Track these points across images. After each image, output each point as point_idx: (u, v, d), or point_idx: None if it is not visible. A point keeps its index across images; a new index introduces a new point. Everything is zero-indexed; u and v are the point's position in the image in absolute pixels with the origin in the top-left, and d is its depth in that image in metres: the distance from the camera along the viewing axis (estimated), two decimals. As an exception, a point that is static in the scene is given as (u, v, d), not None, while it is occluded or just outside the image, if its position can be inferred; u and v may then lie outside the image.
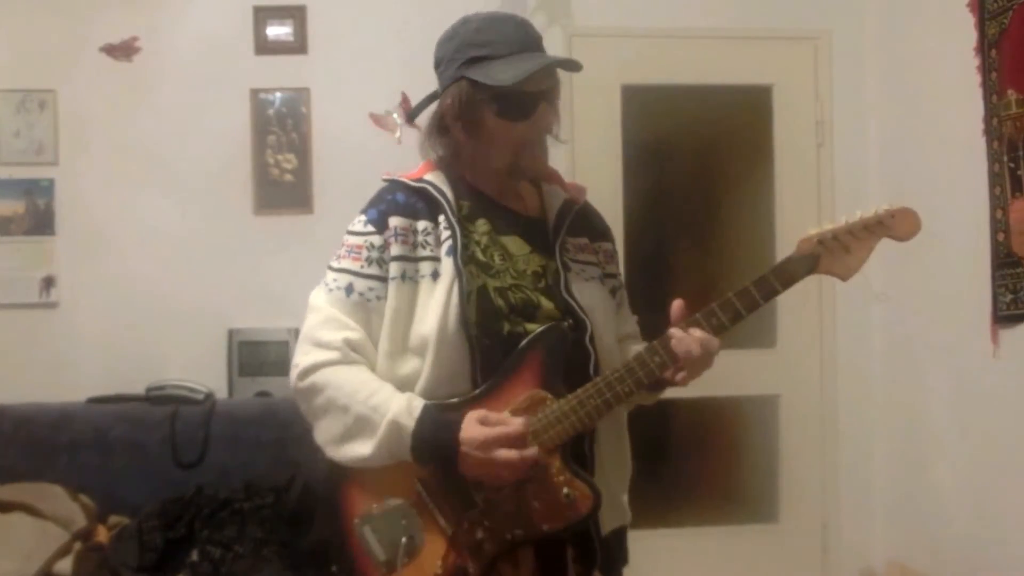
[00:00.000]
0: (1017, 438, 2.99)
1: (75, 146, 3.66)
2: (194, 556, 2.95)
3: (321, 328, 1.79)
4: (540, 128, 1.84)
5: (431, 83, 3.90)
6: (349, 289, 1.80)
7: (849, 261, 1.77)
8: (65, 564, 2.94)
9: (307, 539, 3.01)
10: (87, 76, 3.66)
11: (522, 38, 1.82)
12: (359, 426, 1.72)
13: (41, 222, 3.64)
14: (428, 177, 1.87)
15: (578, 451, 1.79)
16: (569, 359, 1.77)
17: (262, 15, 3.72)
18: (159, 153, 3.68)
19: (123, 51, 3.69)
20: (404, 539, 1.73)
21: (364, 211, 1.86)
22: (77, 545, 3.01)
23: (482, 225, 1.85)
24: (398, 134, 3.74)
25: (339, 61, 3.74)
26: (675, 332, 1.73)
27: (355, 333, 1.78)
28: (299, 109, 3.73)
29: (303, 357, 1.79)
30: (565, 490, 1.70)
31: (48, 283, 3.64)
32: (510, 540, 1.72)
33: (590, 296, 1.87)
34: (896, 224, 1.75)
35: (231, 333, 3.60)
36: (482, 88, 1.79)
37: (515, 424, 1.68)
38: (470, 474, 1.69)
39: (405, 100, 3.74)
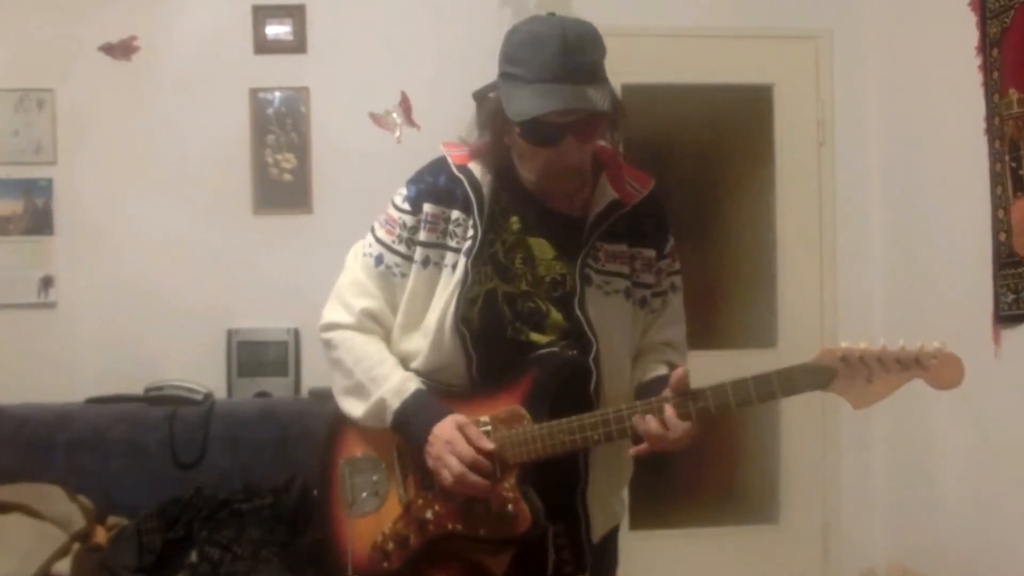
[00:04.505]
0: (1019, 438, 2.98)
1: (73, 145, 3.66)
2: (193, 557, 2.94)
3: (347, 290, 1.92)
4: (567, 158, 1.76)
5: (430, 83, 3.91)
6: (379, 260, 1.90)
7: (867, 392, 1.63)
8: (64, 565, 2.94)
9: (306, 539, 3.01)
10: (86, 75, 3.66)
11: (558, 66, 1.68)
12: (357, 390, 1.86)
13: (39, 222, 3.63)
14: (471, 166, 1.86)
15: (570, 465, 1.82)
16: (566, 381, 1.79)
17: (261, 14, 3.71)
18: (158, 152, 3.68)
19: (122, 50, 3.68)
20: (365, 493, 1.87)
21: (407, 183, 1.91)
22: (76, 546, 3.00)
23: (514, 223, 1.86)
24: (397, 134, 3.73)
25: (338, 61, 3.74)
26: (648, 419, 1.68)
27: (375, 302, 1.90)
28: (298, 108, 3.72)
29: (328, 312, 1.94)
30: (508, 507, 1.74)
31: (46, 283, 3.63)
32: (450, 531, 1.79)
33: (606, 313, 1.84)
34: (936, 369, 1.60)
35: (230, 333, 3.59)
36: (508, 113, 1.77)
37: (483, 444, 1.73)
38: (428, 462, 1.77)
39: (404, 100, 3.74)
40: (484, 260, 1.82)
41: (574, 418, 1.73)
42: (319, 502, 2.00)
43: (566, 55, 1.69)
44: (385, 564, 1.82)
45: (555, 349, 1.80)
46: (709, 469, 3.98)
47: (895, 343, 1.60)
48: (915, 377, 1.61)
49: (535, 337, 1.81)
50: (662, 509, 3.80)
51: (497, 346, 1.80)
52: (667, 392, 1.70)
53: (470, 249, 1.82)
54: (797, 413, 3.89)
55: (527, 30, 1.74)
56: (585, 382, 1.80)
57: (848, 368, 1.63)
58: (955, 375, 1.60)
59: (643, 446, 1.72)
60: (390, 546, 1.82)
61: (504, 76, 1.76)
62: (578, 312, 1.82)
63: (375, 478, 1.87)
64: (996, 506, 3.10)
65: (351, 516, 1.88)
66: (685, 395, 1.68)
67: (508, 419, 1.76)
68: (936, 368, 1.60)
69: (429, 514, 1.80)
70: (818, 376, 1.65)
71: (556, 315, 1.83)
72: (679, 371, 1.70)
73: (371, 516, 1.86)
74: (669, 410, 1.68)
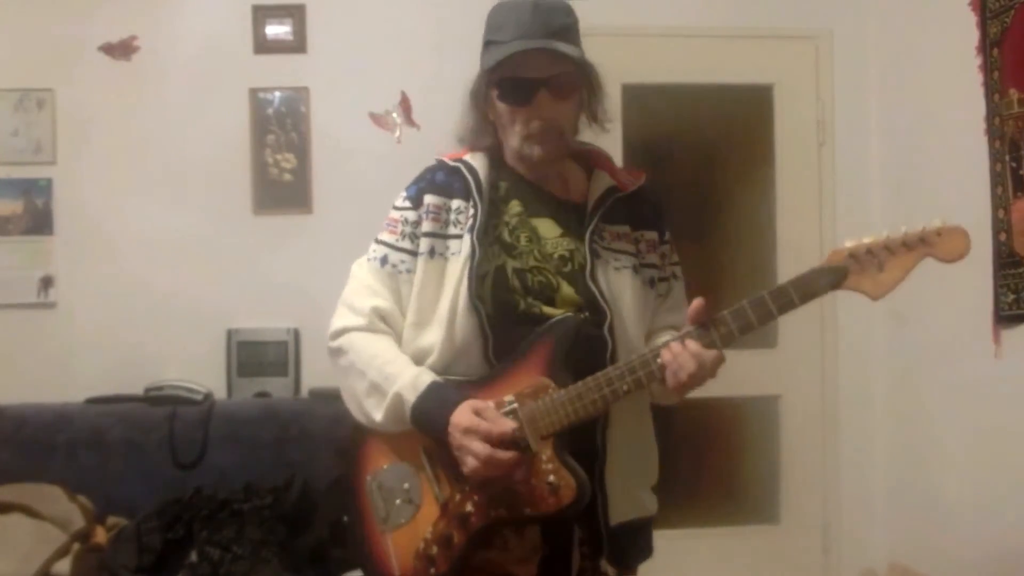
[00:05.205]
0: (1019, 438, 2.98)
1: (73, 145, 3.66)
2: (192, 557, 2.94)
3: (355, 295, 1.92)
4: (545, 116, 1.83)
5: (431, 82, 3.92)
6: (384, 260, 1.91)
7: (882, 279, 1.64)
8: (63, 565, 2.94)
9: (306, 539, 3.01)
10: (86, 75, 3.66)
11: (529, 24, 1.81)
12: (372, 390, 1.83)
13: (39, 222, 3.63)
14: (466, 157, 1.94)
15: (588, 441, 1.81)
16: (582, 349, 1.79)
17: (261, 14, 3.71)
18: (158, 152, 3.67)
19: (122, 50, 3.68)
20: (399, 500, 1.83)
21: (407, 188, 1.95)
22: (75, 546, 3.00)
23: (515, 206, 1.90)
24: (397, 133, 3.73)
25: (338, 60, 3.74)
26: (673, 346, 1.71)
27: (384, 302, 1.89)
28: (298, 108, 3.72)
29: (336, 319, 1.93)
30: (551, 478, 1.72)
31: (46, 283, 3.63)
32: (494, 517, 1.76)
33: (617, 285, 1.87)
34: (941, 244, 1.61)
35: (230, 333, 3.59)
36: (486, 72, 1.86)
37: (502, 425, 1.72)
38: (455, 453, 1.76)
39: (404, 99, 3.74)
40: (490, 240, 1.85)
41: (599, 374, 1.74)
42: (350, 528, 1.93)
43: (535, 14, 1.81)
44: (432, 570, 1.78)
45: (568, 314, 1.81)
46: (709, 469, 3.98)
47: (897, 231, 1.63)
48: (924, 255, 1.62)
49: (548, 311, 1.82)
50: (662, 509, 3.78)
51: (512, 322, 1.81)
52: (688, 328, 1.72)
53: (472, 226, 1.84)
54: (797, 413, 3.89)
55: (504, 3, 1.87)
56: (600, 353, 1.81)
57: (858, 263, 1.65)
58: (961, 245, 1.61)
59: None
60: (434, 550, 1.78)
61: (485, 45, 1.87)
62: (590, 283, 1.84)
63: (406, 485, 1.83)
64: (996, 506, 3.10)
65: (387, 531, 1.84)
66: (706, 325, 1.70)
67: (533, 392, 1.75)
68: (941, 243, 1.61)
69: (469, 507, 1.76)
70: (831, 276, 1.67)
71: (567, 289, 1.85)
72: (697, 301, 1.72)
73: (409, 525, 1.82)
74: (692, 343, 1.69)
